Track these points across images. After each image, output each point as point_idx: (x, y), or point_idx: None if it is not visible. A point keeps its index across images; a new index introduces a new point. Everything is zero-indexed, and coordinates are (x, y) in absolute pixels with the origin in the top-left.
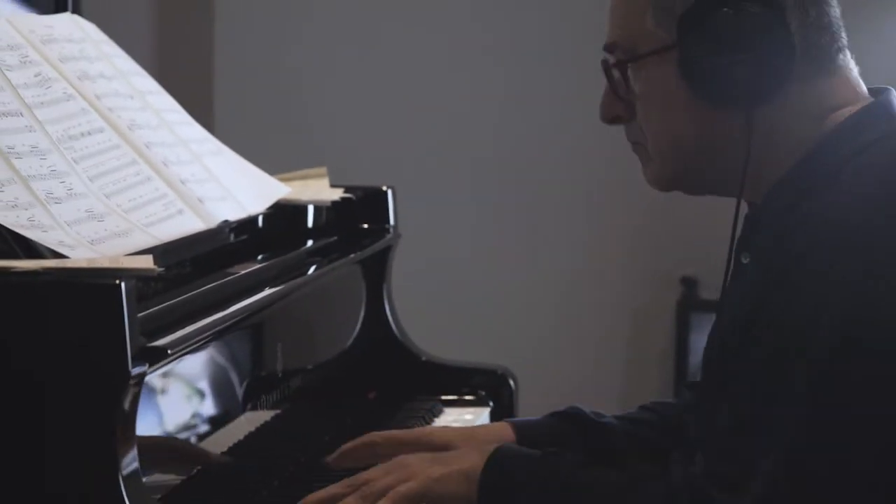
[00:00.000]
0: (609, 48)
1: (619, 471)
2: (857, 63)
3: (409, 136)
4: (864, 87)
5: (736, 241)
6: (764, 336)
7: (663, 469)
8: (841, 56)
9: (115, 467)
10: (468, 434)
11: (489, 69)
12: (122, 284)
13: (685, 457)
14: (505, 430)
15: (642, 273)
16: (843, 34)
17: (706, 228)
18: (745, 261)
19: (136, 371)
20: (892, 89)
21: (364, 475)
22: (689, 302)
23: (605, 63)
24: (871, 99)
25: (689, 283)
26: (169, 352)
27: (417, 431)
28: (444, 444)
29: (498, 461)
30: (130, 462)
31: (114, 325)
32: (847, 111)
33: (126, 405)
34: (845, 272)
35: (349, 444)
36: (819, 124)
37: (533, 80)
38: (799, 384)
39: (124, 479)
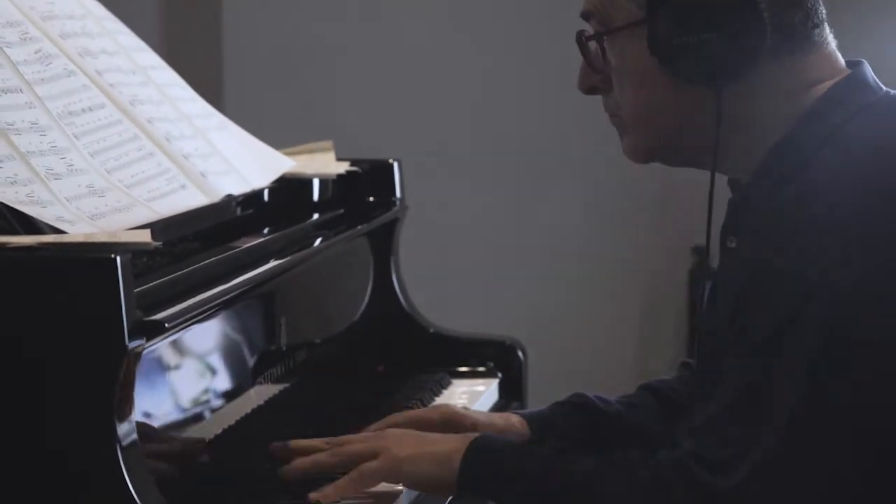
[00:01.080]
0: (585, 17)
1: (607, 455)
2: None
3: (417, 108)
4: (842, 61)
5: (721, 226)
6: (753, 321)
7: (651, 451)
8: (817, 31)
9: (114, 440)
10: (489, 418)
11: (497, 40)
12: (118, 259)
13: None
14: (519, 420)
15: (654, 243)
16: (821, 9)
17: (718, 197)
18: (731, 245)
19: (132, 345)
20: (864, 61)
21: (345, 437)
22: (701, 272)
23: (580, 34)
24: (848, 72)
25: (701, 253)
26: (166, 325)
27: (443, 409)
28: (471, 424)
29: (479, 448)
30: (129, 434)
31: (109, 299)
32: (825, 86)
33: (124, 379)
34: (831, 254)
35: (373, 426)
36: (797, 101)
37: (542, 49)
38: (788, 370)
39: (123, 451)
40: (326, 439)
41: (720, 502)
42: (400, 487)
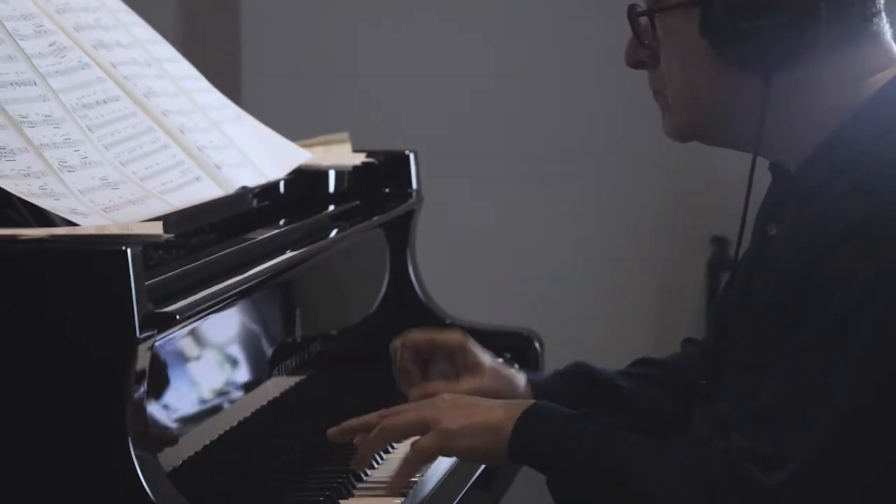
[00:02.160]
0: None
1: (654, 436)
2: None
3: (434, 100)
4: None
5: (760, 211)
6: (809, 318)
7: (692, 436)
8: (875, 21)
9: (126, 432)
10: (495, 367)
11: (515, 33)
12: (129, 251)
13: (711, 426)
14: (521, 383)
15: (672, 233)
16: (879, 0)
17: (737, 187)
18: (771, 232)
19: (143, 337)
20: None
21: (396, 408)
22: (719, 261)
23: (631, 8)
24: None
25: (719, 243)
26: (177, 318)
27: (458, 339)
28: (470, 366)
29: (531, 419)
30: (141, 426)
31: (120, 291)
32: (882, 77)
33: (136, 371)
34: (886, 255)
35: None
36: (851, 92)
37: (561, 43)
38: (844, 365)
39: (135, 443)
40: (378, 413)
41: (766, 498)
42: (417, 477)
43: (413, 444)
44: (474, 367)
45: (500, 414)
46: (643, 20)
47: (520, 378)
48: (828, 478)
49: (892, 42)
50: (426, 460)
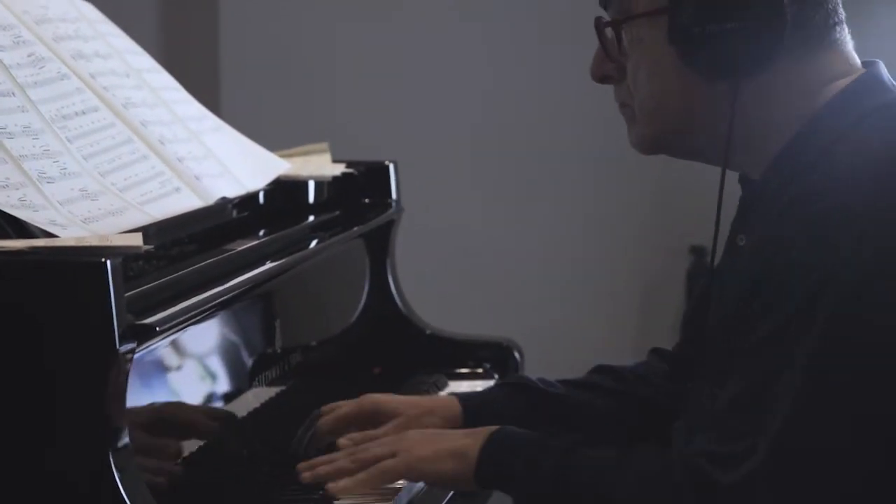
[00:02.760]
0: (603, 4)
1: (617, 448)
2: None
3: (412, 111)
4: (858, 61)
5: (731, 223)
6: (764, 314)
7: (656, 445)
8: (837, 30)
9: (106, 444)
10: (415, 401)
11: (498, 43)
12: (108, 262)
13: (683, 433)
14: (451, 401)
15: (652, 243)
16: (841, 9)
17: (715, 197)
18: (741, 242)
19: (123, 349)
20: (880, 62)
21: (363, 435)
22: (699, 271)
23: (598, 21)
24: (864, 71)
25: (698, 253)
26: (158, 329)
27: (366, 403)
28: (392, 410)
29: (496, 442)
30: (121, 438)
31: (100, 303)
32: (840, 84)
33: (116, 382)
34: (843, 245)
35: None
36: (812, 98)
37: (538, 51)
38: (796, 363)
39: (115, 454)
40: (347, 437)
41: (723, 497)
42: (400, 484)
43: (379, 463)
44: (393, 416)
45: (466, 441)
46: (609, 32)
47: (445, 400)
48: (783, 475)
49: (852, 51)
50: (387, 480)
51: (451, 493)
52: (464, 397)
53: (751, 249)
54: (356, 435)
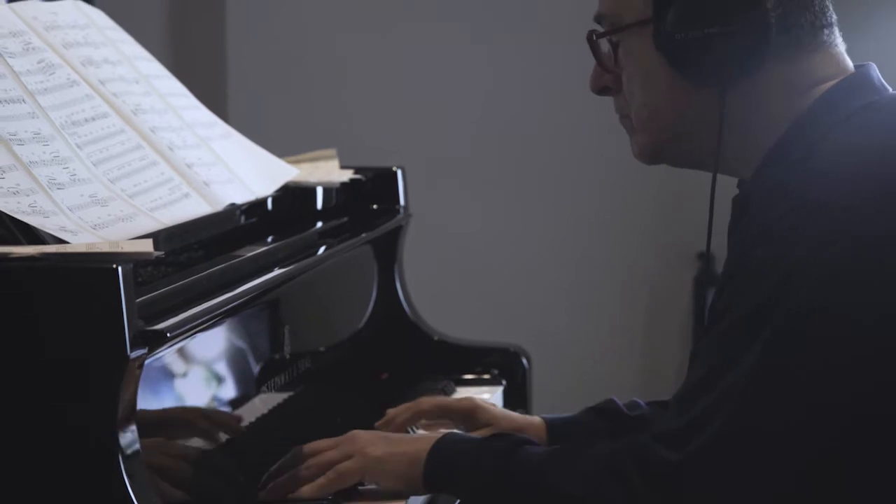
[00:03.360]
0: (597, 19)
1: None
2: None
3: (420, 117)
4: (849, 63)
5: (728, 224)
6: (731, 305)
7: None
8: (826, 31)
9: (116, 450)
10: (510, 417)
11: (504, 49)
12: (119, 269)
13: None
14: (538, 421)
15: (659, 249)
16: (831, 11)
17: (723, 204)
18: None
19: (134, 355)
20: (872, 64)
21: (311, 446)
22: (706, 278)
23: (591, 34)
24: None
25: (706, 259)
26: (168, 335)
27: (467, 402)
28: (488, 420)
29: (442, 446)
30: (131, 444)
31: (111, 309)
32: (829, 85)
33: (126, 388)
34: (812, 245)
35: (395, 410)
36: (801, 99)
37: (546, 56)
38: (753, 351)
39: (125, 460)
40: (294, 451)
41: (668, 474)
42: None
43: (336, 466)
44: (486, 425)
45: (419, 445)
46: (605, 45)
47: (535, 420)
48: (726, 455)
49: (843, 53)
50: (345, 482)
51: None
52: (550, 420)
53: (731, 247)
54: (310, 445)
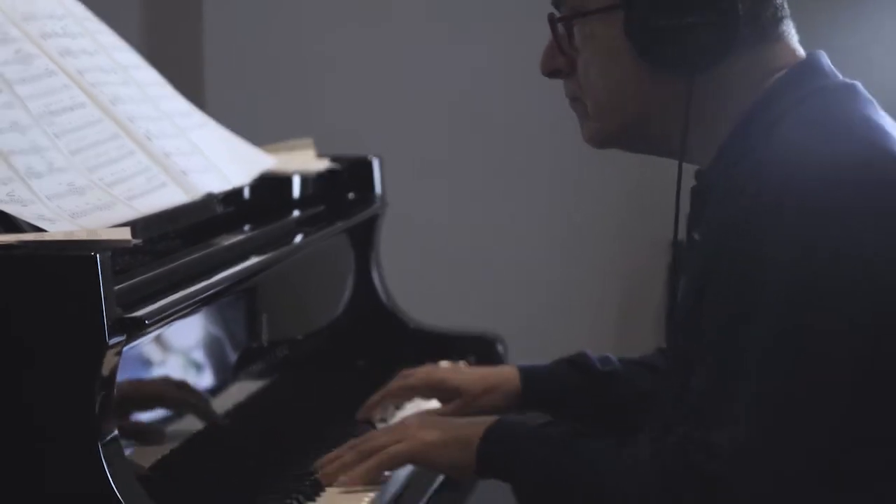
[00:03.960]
0: (555, 2)
1: (615, 437)
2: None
3: (397, 106)
4: (802, 52)
5: (687, 216)
6: (719, 303)
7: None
8: (785, 22)
9: (96, 437)
10: (477, 377)
11: (480, 40)
12: (98, 256)
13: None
14: (511, 373)
15: (633, 237)
16: (786, 5)
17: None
18: (696, 237)
19: (113, 342)
20: (822, 52)
21: (367, 435)
22: (678, 265)
23: (551, 16)
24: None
25: (680, 247)
26: (147, 322)
27: (434, 377)
28: (456, 386)
29: (495, 432)
30: (110, 431)
31: (90, 297)
32: (783, 73)
33: (105, 375)
34: (783, 230)
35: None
36: (760, 89)
37: (524, 49)
38: (756, 345)
39: (104, 447)
40: (349, 443)
41: (715, 484)
42: (388, 473)
43: (387, 448)
44: (456, 394)
45: (469, 430)
46: (561, 28)
47: (507, 371)
48: (764, 455)
49: (797, 43)
50: (395, 465)
51: (436, 484)
52: (524, 369)
53: (700, 245)
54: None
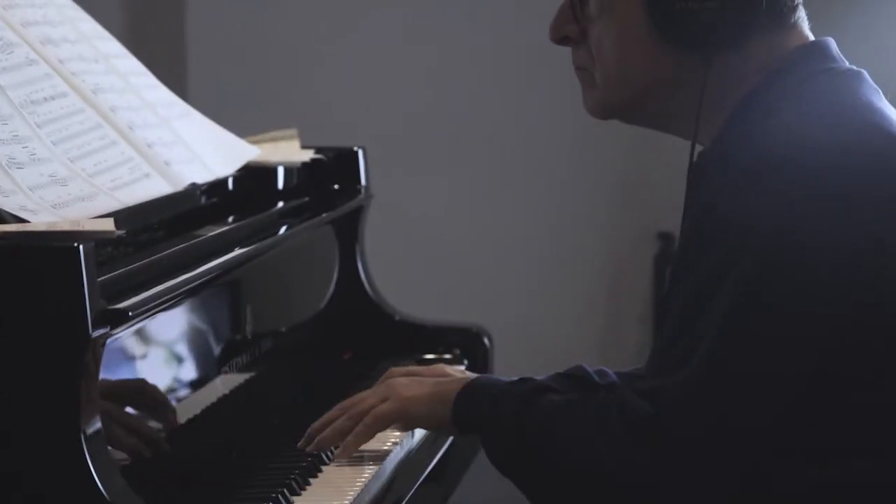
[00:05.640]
0: None
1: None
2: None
3: (382, 97)
4: (812, 38)
5: (685, 198)
6: (695, 264)
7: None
8: (799, 10)
9: (78, 429)
10: None
11: (466, 32)
12: (81, 247)
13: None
14: None
15: (619, 229)
16: None
17: (682, 183)
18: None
19: (96, 334)
20: (831, 39)
21: (352, 398)
22: (666, 257)
23: None
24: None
25: (666, 238)
26: (130, 314)
27: (436, 369)
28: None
29: (471, 388)
30: (93, 423)
31: (73, 288)
32: (788, 53)
33: (88, 368)
34: (764, 197)
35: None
36: (766, 71)
37: (507, 39)
38: (719, 305)
39: (87, 440)
40: (337, 406)
41: (647, 424)
42: (388, 447)
43: (372, 411)
44: None
45: (450, 386)
46: None
47: None
48: (700, 402)
49: (808, 30)
50: (382, 426)
51: (437, 457)
52: None
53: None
54: (350, 399)
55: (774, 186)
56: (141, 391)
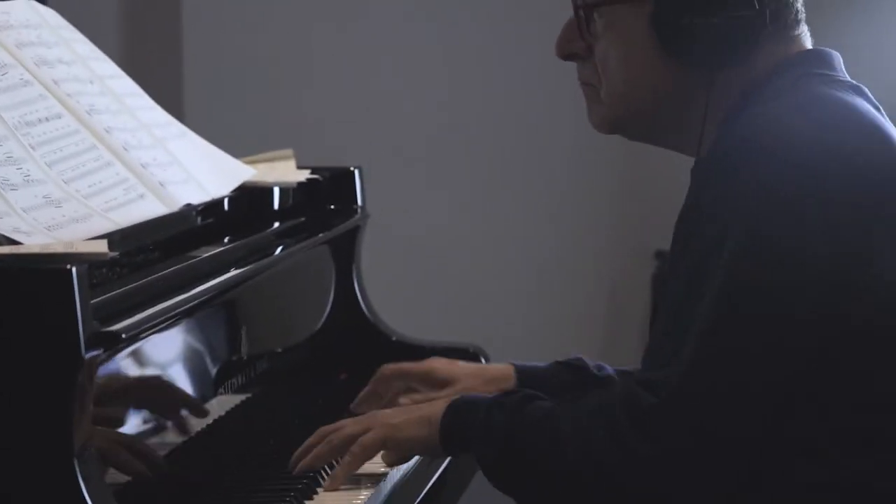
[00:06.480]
0: None
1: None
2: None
3: (377, 116)
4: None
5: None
6: (684, 258)
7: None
8: (801, 26)
9: (71, 452)
10: (473, 370)
11: (463, 48)
12: (74, 269)
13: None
14: (507, 370)
15: (616, 248)
16: (802, 8)
17: (680, 202)
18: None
19: (89, 356)
20: (835, 52)
21: (333, 425)
22: (664, 276)
23: (578, 1)
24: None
25: (663, 257)
26: (123, 336)
27: (424, 364)
28: (447, 377)
29: (456, 406)
30: (86, 446)
31: (65, 310)
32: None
33: (82, 390)
34: (757, 174)
35: (366, 388)
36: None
37: (503, 56)
38: (710, 294)
39: (80, 463)
40: (316, 433)
41: (650, 416)
42: (384, 469)
43: (359, 440)
44: (446, 382)
45: (434, 408)
46: (582, 12)
47: (503, 367)
48: (700, 391)
49: (810, 45)
50: (369, 455)
51: (434, 479)
52: (519, 367)
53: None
54: (331, 425)
55: (750, 179)
56: (136, 413)
